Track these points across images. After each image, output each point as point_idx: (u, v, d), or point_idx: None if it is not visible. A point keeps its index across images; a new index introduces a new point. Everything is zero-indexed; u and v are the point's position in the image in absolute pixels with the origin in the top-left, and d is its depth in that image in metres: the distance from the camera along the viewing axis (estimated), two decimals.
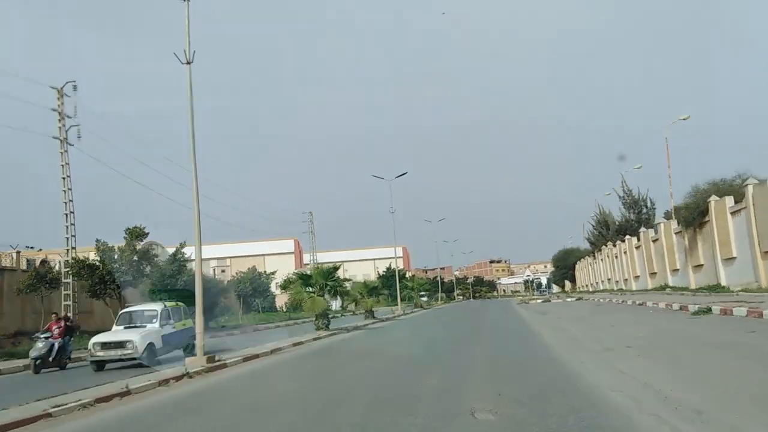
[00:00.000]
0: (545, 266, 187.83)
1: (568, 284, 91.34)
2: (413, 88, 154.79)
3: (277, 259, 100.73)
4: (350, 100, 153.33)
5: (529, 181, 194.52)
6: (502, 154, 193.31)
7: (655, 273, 37.81)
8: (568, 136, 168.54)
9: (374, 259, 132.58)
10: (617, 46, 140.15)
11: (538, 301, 49.03)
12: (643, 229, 41.04)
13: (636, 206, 50.19)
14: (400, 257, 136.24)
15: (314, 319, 24.60)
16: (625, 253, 45.89)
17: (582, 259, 73.00)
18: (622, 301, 31.69)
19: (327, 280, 24.47)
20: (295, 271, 25.80)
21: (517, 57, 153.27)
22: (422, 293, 62.09)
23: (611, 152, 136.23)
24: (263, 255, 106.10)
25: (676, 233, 33.43)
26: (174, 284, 34.14)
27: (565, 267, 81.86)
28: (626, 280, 46.55)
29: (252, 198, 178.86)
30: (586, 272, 70.82)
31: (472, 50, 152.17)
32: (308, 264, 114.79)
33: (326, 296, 24.73)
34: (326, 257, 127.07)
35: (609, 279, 54.41)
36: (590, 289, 65.85)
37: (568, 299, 47.94)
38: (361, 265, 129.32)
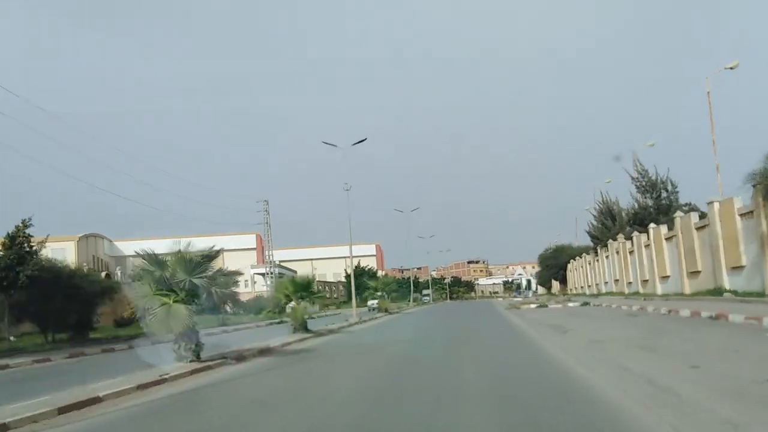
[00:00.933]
0: (524, 267, 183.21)
1: (555, 285, 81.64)
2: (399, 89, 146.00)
3: (238, 256, 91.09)
4: (330, 100, 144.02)
5: (508, 181, 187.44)
6: (481, 154, 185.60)
7: (699, 272, 27.81)
8: (547, 134, 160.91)
9: (345, 257, 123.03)
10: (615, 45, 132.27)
11: (532, 306, 38.94)
12: (679, 213, 30.89)
13: (654, 190, 40.26)
14: (372, 255, 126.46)
15: (173, 342, 13.92)
16: (646, 246, 35.90)
17: (577, 258, 63.16)
18: (669, 311, 21.54)
19: (193, 274, 13.87)
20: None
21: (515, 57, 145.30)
22: (378, 294, 50.90)
23: (597, 146, 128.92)
24: (221, 251, 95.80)
25: (742, 215, 23.43)
26: (14, 279, 23.24)
27: (555, 266, 71.87)
28: (646, 281, 36.60)
29: (215, 189, 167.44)
30: (581, 272, 60.98)
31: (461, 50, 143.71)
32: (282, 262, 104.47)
33: (200, 301, 14.18)
34: (290, 254, 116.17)
35: (617, 280, 44.51)
36: (587, 292, 56.10)
37: (570, 304, 37.90)
38: (332, 263, 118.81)
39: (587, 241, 65.16)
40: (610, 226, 48.37)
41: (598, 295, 46.66)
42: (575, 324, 21.09)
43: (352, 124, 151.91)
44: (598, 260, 51.13)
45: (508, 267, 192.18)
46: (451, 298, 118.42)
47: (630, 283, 40.92)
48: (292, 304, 23.15)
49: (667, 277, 32.66)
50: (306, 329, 22.68)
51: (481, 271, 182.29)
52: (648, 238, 35.48)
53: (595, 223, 51.19)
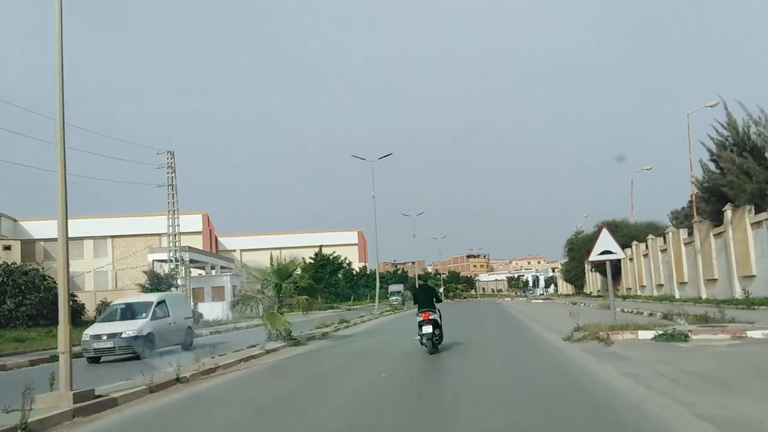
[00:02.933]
0: (529, 262, 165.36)
1: (593, 281, 57.89)
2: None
3: (180, 240, 67.61)
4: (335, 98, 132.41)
5: (510, 176, 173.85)
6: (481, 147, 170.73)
7: None
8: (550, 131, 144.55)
9: (320, 246, 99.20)
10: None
11: (646, 336, 15.11)
12: None
13: None
14: (352, 244, 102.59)
15: None
16: None
17: (651, 237, 39.10)
18: None
19: None
20: None
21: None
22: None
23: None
24: (159, 234, 72.90)
25: None
26: None
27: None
28: None
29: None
30: (661, 260, 36.98)
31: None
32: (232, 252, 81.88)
33: None
34: (250, 241, 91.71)
35: None
36: (675, 294, 32.56)
37: (752, 333, 14.22)
38: (307, 252, 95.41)
39: (650, 216, 42.52)
40: (750, 167, 24.52)
41: (745, 303, 22.60)
42: None
43: (352, 123, 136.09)
44: (721, 236, 27.06)
45: (510, 262, 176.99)
46: (446, 297, 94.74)
47: None
48: None
49: None
50: None
51: (481, 266, 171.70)
52: None
53: (715, 166, 27.07)
